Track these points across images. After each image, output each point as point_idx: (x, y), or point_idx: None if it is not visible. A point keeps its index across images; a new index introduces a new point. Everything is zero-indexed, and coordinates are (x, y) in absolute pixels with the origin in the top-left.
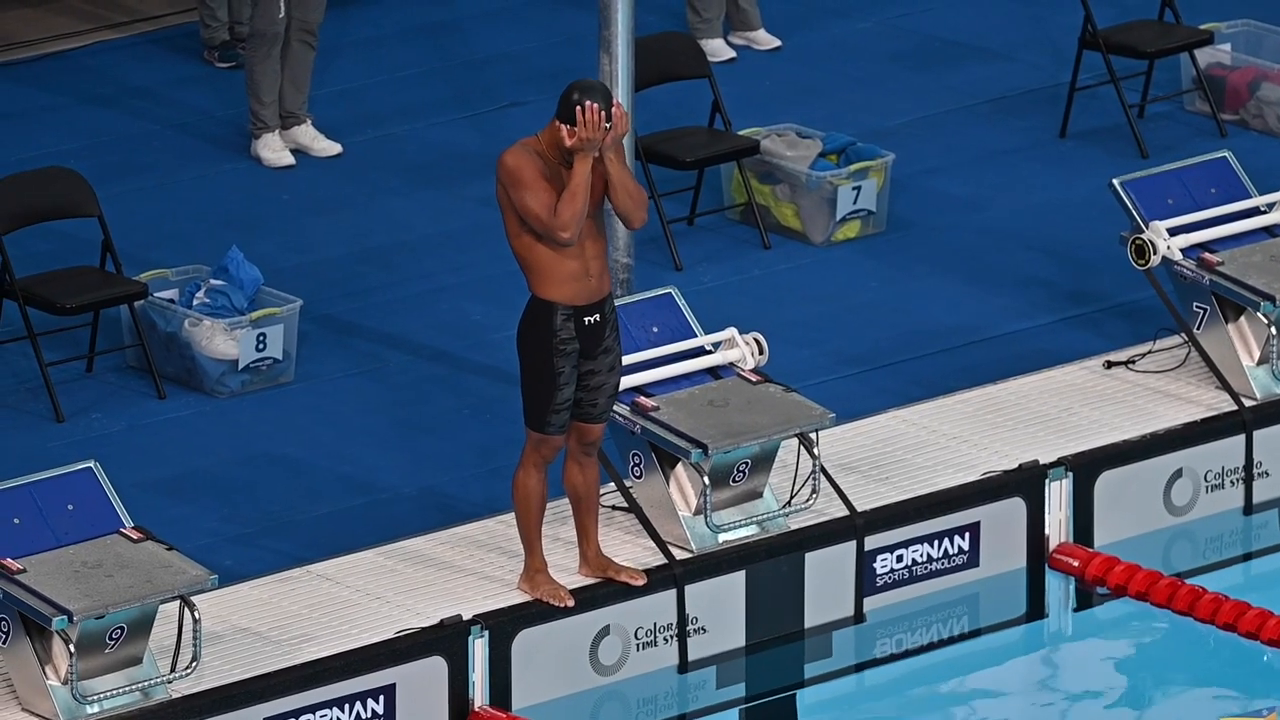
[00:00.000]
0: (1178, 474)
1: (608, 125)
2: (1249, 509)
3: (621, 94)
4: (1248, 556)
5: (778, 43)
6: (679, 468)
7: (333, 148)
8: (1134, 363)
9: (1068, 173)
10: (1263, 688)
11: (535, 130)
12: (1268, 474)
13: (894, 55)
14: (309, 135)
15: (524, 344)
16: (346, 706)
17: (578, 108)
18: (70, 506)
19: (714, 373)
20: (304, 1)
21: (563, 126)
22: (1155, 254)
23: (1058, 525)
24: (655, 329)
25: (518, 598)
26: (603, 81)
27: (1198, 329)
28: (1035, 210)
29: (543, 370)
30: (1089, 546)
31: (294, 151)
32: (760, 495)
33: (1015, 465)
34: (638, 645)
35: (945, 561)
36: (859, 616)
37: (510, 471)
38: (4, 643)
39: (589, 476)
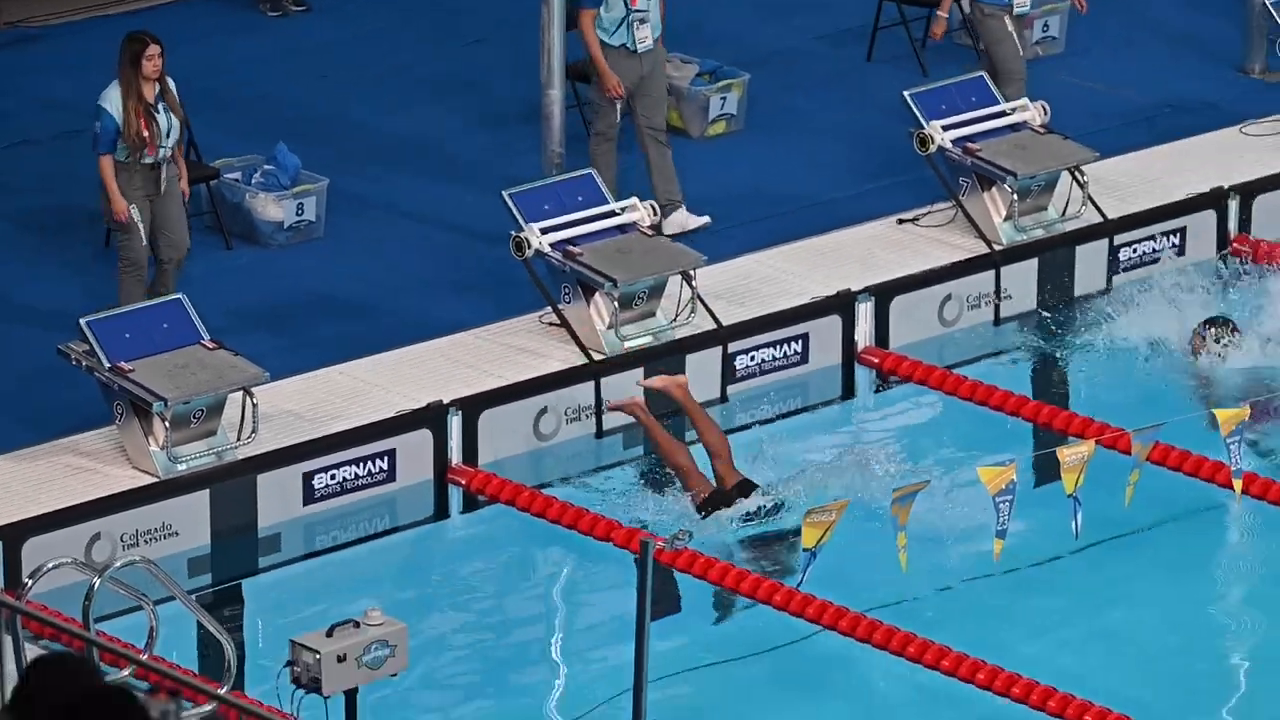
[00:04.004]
0: (948, 298)
1: None
2: (997, 322)
3: (555, 32)
4: (998, 354)
5: None
6: (597, 295)
7: (698, 220)
8: (918, 220)
9: (873, 86)
10: (1005, 446)
11: (489, 63)
12: (1011, 297)
13: (756, 4)
14: (683, 217)
15: None
16: (361, 464)
17: None
18: (165, 325)
19: (621, 229)
20: (650, 105)
21: None
22: (933, 144)
23: (864, 334)
24: (580, 198)
25: (485, 385)
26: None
27: (963, 196)
28: (851, 113)
29: None
30: (886, 348)
31: (674, 237)
32: (654, 315)
33: (834, 292)
34: (567, 420)
35: (785, 360)
36: (724, 398)
37: (472, 296)
38: (120, 421)
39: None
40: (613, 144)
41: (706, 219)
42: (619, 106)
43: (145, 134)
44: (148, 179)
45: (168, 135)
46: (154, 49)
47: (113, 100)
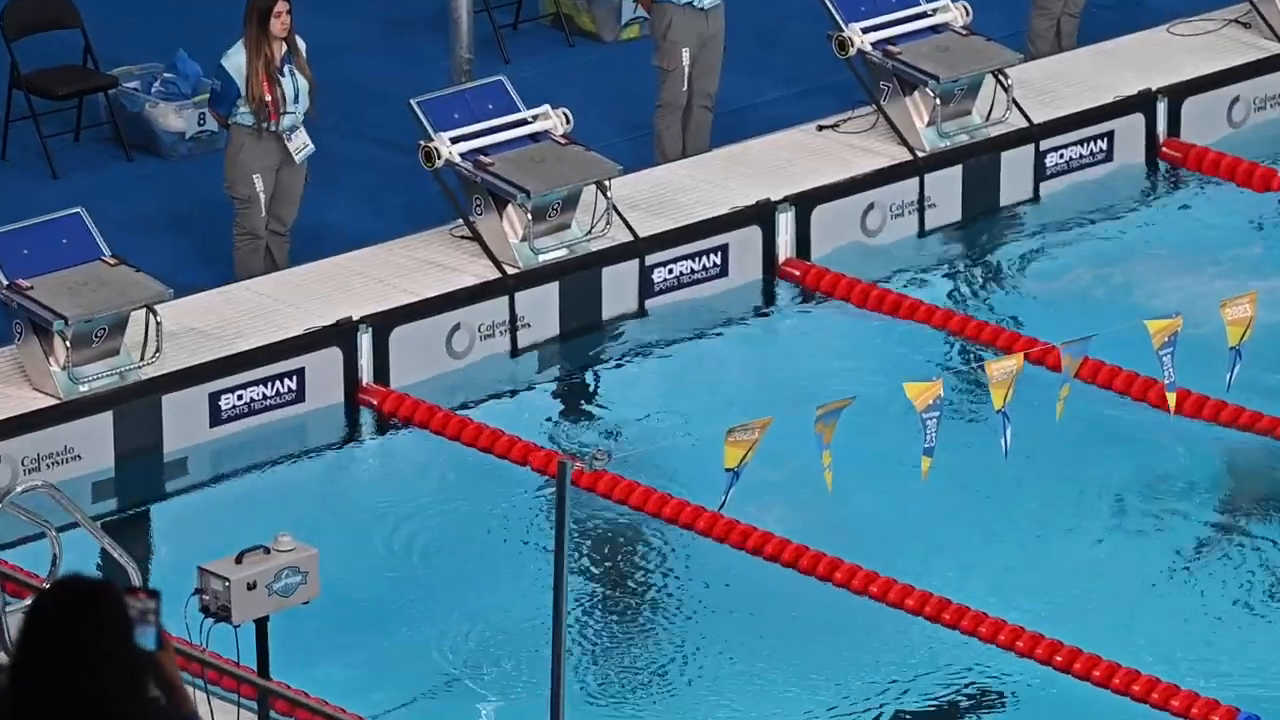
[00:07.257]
0: (870, 207)
1: None
2: (922, 231)
3: None
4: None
5: None
6: (509, 207)
7: None
8: (838, 127)
9: None
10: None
11: None
12: (935, 205)
13: None
14: None
15: None
16: (268, 384)
17: None
18: (64, 241)
19: (534, 138)
20: (706, 76)
21: None
22: (852, 47)
23: (784, 245)
24: (490, 106)
25: (395, 302)
26: None
27: (884, 101)
28: (767, 15)
29: None
30: (808, 260)
31: None
32: (569, 227)
33: (753, 202)
34: (481, 337)
35: (704, 273)
36: (642, 312)
37: (380, 208)
38: (19, 341)
39: None
40: (678, 115)
41: None
42: (686, 74)
43: (268, 99)
44: (276, 147)
45: (295, 100)
46: (283, 6)
47: (235, 61)
